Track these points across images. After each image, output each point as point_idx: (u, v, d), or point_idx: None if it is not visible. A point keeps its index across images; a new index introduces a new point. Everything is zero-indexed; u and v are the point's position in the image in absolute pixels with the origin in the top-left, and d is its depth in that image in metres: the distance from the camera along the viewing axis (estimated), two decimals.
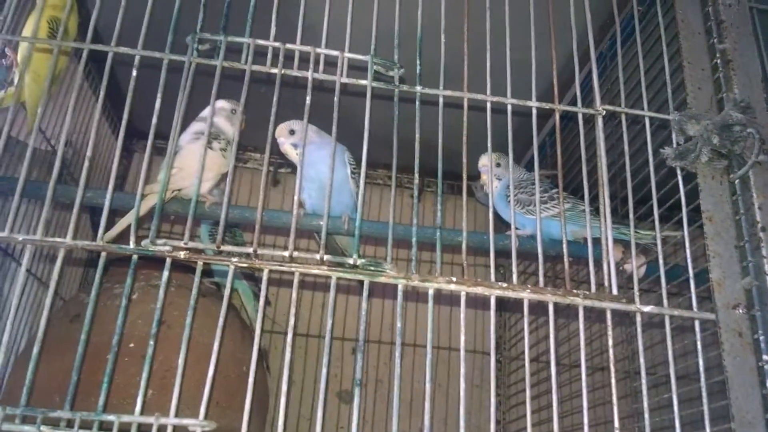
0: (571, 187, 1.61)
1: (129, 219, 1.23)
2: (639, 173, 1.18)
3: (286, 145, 1.42)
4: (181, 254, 0.87)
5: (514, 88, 1.07)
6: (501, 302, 2.36)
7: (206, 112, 1.37)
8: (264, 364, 1.89)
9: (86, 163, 0.90)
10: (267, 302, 2.05)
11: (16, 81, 1.30)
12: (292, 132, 1.41)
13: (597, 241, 1.05)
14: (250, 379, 0.85)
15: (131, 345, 1.43)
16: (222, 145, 1.33)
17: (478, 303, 2.08)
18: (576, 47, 1.11)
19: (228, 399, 1.50)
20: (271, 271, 0.90)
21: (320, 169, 1.40)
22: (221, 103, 1.40)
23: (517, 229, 1.38)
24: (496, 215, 1.55)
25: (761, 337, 0.93)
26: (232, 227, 1.80)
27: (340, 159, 1.45)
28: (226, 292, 0.88)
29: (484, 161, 1.44)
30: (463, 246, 0.95)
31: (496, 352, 2.30)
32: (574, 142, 1.23)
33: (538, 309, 0.99)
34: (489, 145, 1.02)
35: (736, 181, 1.03)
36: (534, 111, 1.06)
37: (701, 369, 0.94)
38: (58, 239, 0.87)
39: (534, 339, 1.92)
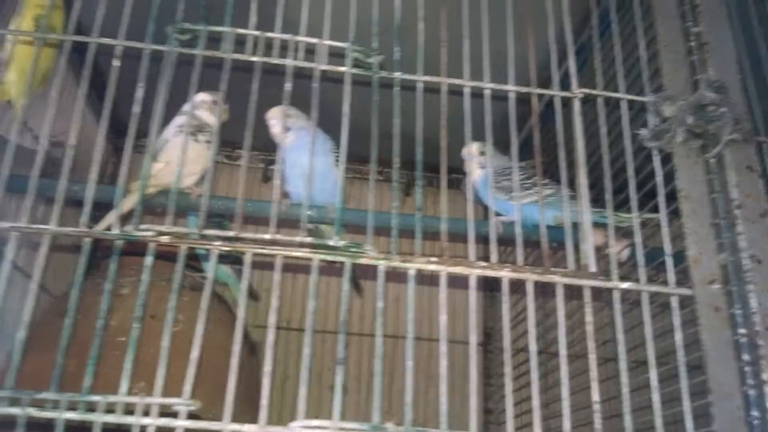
0: (557, 175, 1.62)
1: (124, 207, 1.25)
2: (619, 160, 1.20)
3: (278, 127, 1.41)
4: (164, 239, 0.88)
5: (498, 78, 1.08)
6: (492, 288, 2.38)
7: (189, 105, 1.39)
8: (257, 358, 1.90)
9: (69, 151, 0.91)
10: (257, 297, 2.07)
11: (3, 78, 1.32)
12: (287, 116, 1.40)
13: (578, 226, 1.06)
14: (233, 368, 0.86)
15: (122, 338, 1.44)
16: (207, 137, 1.35)
17: (466, 295, 2.09)
18: (553, 33, 1.13)
19: (220, 392, 1.51)
20: (256, 256, 0.92)
21: (307, 156, 1.41)
22: (202, 96, 1.41)
23: (501, 215, 1.40)
24: (483, 204, 1.57)
25: (737, 311, 0.95)
26: (222, 219, 1.81)
27: (325, 148, 1.46)
28: (209, 275, 0.90)
29: (466, 150, 1.46)
30: (442, 227, 0.97)
31: (488, 342, 2.32)
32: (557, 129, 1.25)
33: (521, 291, 1.00)
34: (467, 130, 1.04)
35: (711, 160, 1.05)
36: (512, 95, 1.07)
37: (679, 345, 0.96)
38: (43, 226, 0.88)
39: (523, 328, 1.94)
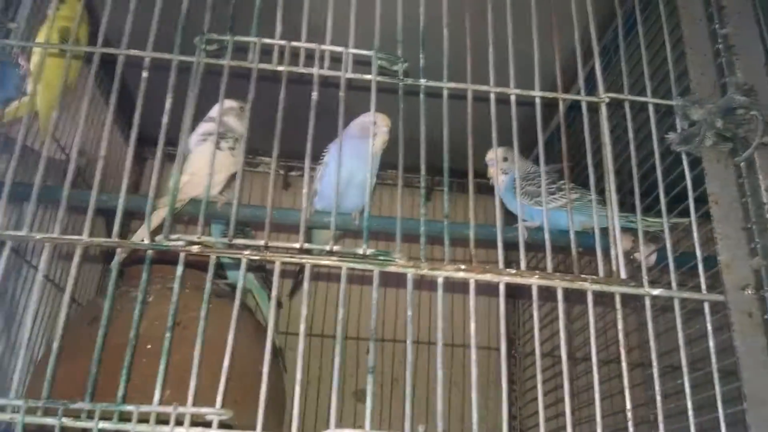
0: (581, 179, 1.62)
1: (154, 221, 1.26)
2: (646, 163, 1.19)
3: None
4: (195, 248, 0.89)
5: (521, 81, 1.08)
6: (514, 294, 2.37)
7: (214, 112, 1.39)
8: (280, 364, 1.91)
9: (100, 162, 0.92)
10: (279, 305, 2.08)
11: (29, 90, 1.33)
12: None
13: (606, 231, 1.05)
14: (264, 376, 0.86)
15: (149, 346, 1.45)
16: (230, 144, 1.35)
17: (492, 300, 2.09)
18: (579, 37, 1.12)
19: (245, 397, 1.52)
20: (284, 265, 0.92)
21: (354, 164, 1.42)
22: (229, 102, 1.42)
23: (525, 221, 1.40)
24: (506, 209, 1.56)
25: None
26: (244, 227, 1.82)
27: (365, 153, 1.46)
28: (239, 284, 0.90)
29: (491, 155, 1.46)
30: (471, 234, 0.96)
31: (511, 348, 2.31)
32: (583, 134, 1.24)
33: (550, 298, 1.00)
34: (494, 136, 1.04)
35: (742, 164, 1.04)
36: (537, 101, 1.07)
37: (712, 351, 0.95)
38: (75, 237, 0.89)
39: (548, 332, 1.93)
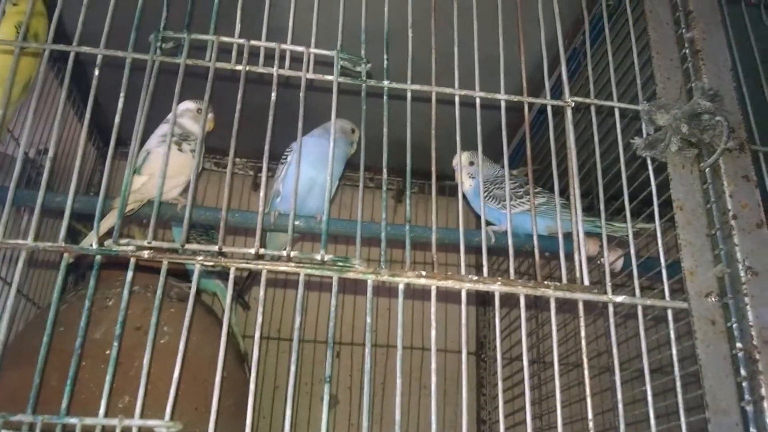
0: (551, 183, 1.61)
1: (109, 223, 1.22)
2: (612, 168, 1.18)
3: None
4: (145, 254, 0.86)
5: (491, 85, 1.06)
6: (483, 299, 2.36)
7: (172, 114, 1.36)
8: (245, 368, 1.87)
9: (48, 163, 0.89)
10: (246, 306, 2.04)
11: None
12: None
13: (571, 235, 1.04)
14: (216, 386, 0.84)
15: (108, 352, 1.41)
16: (192, 146, 1.32)
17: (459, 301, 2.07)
18: (546, 41, 1.11)
19: (207, 403, 1.48)
20: (239, 271, 0.89)
21: (320, 166, 1.40)
22: (187, 104, 1.38)
23: (494, 225, 1.38)
24: (474, 213, 1.54)
25: (734, 325, 0.93)
26: (209, 229, 1.78)
27: (339, 157, 1.44)
28: (192, 290, 0.87)
29: (456, 159, 1.44)
30: (433, 239, 0.94)
31: (480, 351, 2.30)
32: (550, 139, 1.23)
33: (516, 303, 0.98)
34: (458, 139, 1.02)
35: (707, 170, 1.03)
36: (503, 104, 1.05)
37: (675, 358, 0.94)
38: (20, 241, 0.85)
39: (516, 337, 1.92)
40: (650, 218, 1.08)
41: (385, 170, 0.97)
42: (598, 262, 1.33)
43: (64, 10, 1.03)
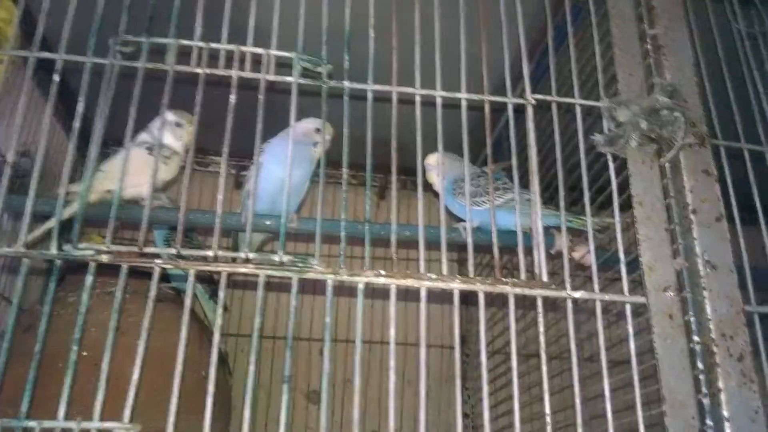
0: (524, 181, 1.61)
1: (52, 223, 1.22)
2: (578, 165, 1.19)
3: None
4: (104, 258, 0.87)
5: (452, 85, 1.07)
6: (465, 296, 2.36)
7: (153, 125, 1.36)
8: (225, 368, 1.88)
9: (7, 170, 0.89)
10: (225, 308, 2.05)
11: None
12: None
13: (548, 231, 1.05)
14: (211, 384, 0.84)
15: (84, 353, 1.42)
16: (166, 153, 1.32)
17: (444, 298, 2.09)
18: (507, 39, 1.11)
19: (186, 404, 1.49)
20: (199, 271, 0.90)
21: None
22: (168, 116, 1.36)
23: (463, 222, 1.39)
24: (447, 212, 1.55)
25: (692, 319, 0.94)
26: (189, 231, 1.79)
27: (307, 157, 1.44)
28: (151, 293, 0.88)
29: (428, 160, 1.45)
30: (392, 238, 0.95)
31: (463, 346, 2.31)
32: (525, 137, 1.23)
33: (493, 301, 0.99)
34: (418, 140, 1.02)
35: (667, 165, 1.04)
36: (464, 103, 1.06)
37: (633, 353, 0.95)
38: None
39: (498, 330, 1.93)
40: (610, 213, 1.09)
41: (345, 170, 0.98)
42: (570, 256, 1.33)
43: (38, 15, 1.03)
